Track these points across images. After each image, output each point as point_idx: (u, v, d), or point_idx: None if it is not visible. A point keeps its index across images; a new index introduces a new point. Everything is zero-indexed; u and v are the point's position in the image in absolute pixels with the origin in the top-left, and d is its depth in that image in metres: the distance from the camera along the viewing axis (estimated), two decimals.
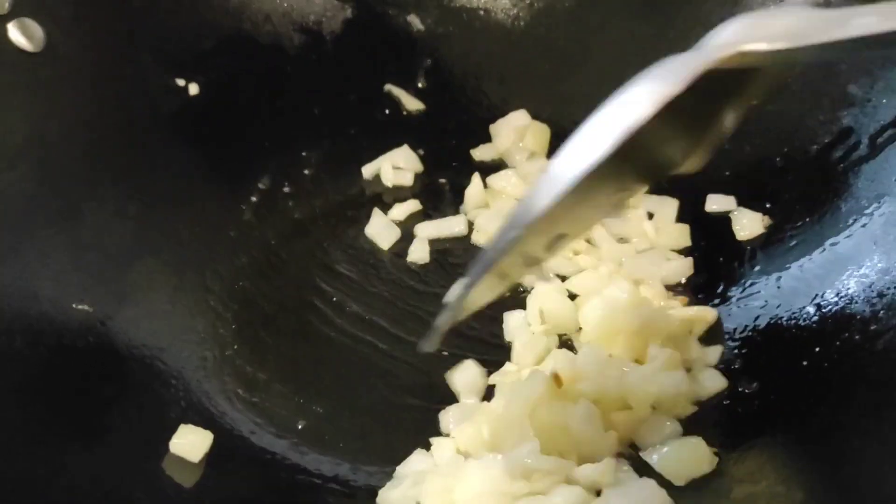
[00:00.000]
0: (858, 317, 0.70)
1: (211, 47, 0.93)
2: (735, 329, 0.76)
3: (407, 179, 0.90)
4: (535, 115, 0.95)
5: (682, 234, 0.85)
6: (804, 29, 0.46)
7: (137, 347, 0.74)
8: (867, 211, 0.77)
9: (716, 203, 0.84)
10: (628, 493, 0.61)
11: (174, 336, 0.76)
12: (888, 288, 0.71)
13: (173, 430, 0.68)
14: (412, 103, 0.96)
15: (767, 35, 0.47)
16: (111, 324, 0.75)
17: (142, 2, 0.89)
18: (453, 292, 0.54)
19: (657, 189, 0.87)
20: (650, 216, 0.87)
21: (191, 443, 0.66)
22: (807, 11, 0.47)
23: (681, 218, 0.86)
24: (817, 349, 0.70)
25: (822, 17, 0.46)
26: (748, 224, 0.83)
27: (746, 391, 0.71)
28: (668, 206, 0.87)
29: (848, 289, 0.74)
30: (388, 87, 0.97)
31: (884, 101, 0.81)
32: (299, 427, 0.72)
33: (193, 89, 0.91)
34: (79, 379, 0.70)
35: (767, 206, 0.83)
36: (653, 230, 0.85)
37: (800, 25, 0.46)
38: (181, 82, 0.90)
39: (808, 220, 0.80)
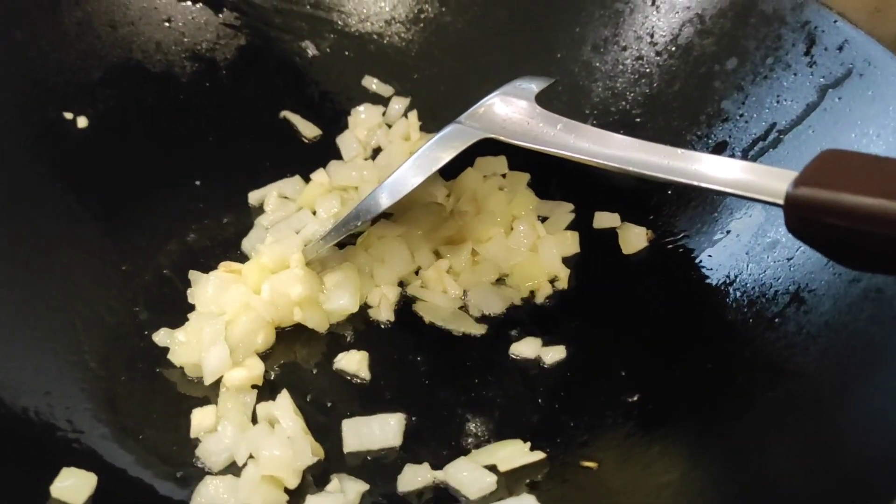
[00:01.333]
0: (731, 325, 0.73)
1: (98, 78, 0.92)
2: (622, 337, 0.78)
3: (290, 209, 0.89)
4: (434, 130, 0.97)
5: (572, 240, 0.87)
6: (535, 134, 0.75)
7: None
8: (739, 222, 0.80)
9: (603, 220, 0.87)
10: None
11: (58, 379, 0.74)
12: (757, 297, 0.74)
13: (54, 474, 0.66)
14: (308, 129, 0.96)
15: (508, 132, 0.76)
16: None
17: (22, 34, 0.87)
18: (316, 244, 0.81)
19: (549, 196, 0.90)
20: (542, 220, 0.89)
21: (73, 486, 0.65)
22: (537, 117, 0.77)
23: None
24: (694, 357, 0.73)
25: (550, 128, 0.75)
26: (633, 238, 0.85)
27: (629, 400, 0.73)
28: (562, 211, 0.89)
29: (724, 297, 0.77)
30: (285, 113, 0.97)
31: (755, 115, 0.85)
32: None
33: (82, 122, 0.89)
34: None
35: (651, 218, 0.86)
36: (543, 231, 0.87)
37: (531, 129, 0.76)
38: (69, 115, 0.89)
39: (687, 231, 0.83)
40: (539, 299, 0.83)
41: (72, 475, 0.65)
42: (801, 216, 0.56)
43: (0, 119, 0.85)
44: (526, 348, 0.78)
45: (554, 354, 0.78)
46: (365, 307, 0.82)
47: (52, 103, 0.88)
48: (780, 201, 0.57)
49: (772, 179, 0.59)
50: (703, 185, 0.63)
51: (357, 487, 0.68)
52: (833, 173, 0.55)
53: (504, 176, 0.93)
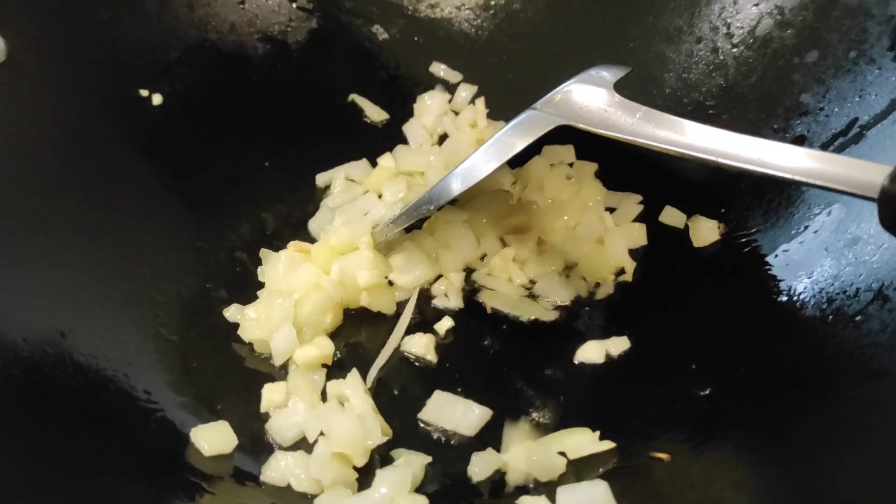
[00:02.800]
0: (809, 322, 0.71)
1: (175, 58, 0.93)
2: (691, 330, 0.77)
3: (356, 192, 0.90)
4: (502, 119, 0.96)
5: (639, 233, 0.86)
6: (613, 122, 0.74)
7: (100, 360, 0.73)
8: (818, 217, 0.78)
9: (670, 217, 0.85)
10: (578, 493, 0.62)
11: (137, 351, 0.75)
12: (837, 294, 0.72)
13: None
14: (376, 113, 0.97)
15: (586, 119, 0.75)
16: (72, 336, 0.74)
17: (107, 13, 0.89)
18: (385, 227, 0.82)
19: (617, 186, 0.88)
20: (610, 211, 0.88)
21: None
22: (616, 105, 0.75)
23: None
24: (769, 354, 0.71)
25: (629, 117, 0.73)
26: (704, 231, 0.84)
27: (700, 394, 0.72)
28: (630, 203, 0.88)
29: (800, 294, 0.75)
30: (353, 96, 0.97)
31: (836, 109, 0.83)
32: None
33: (157, 99, 0.91)
34: (50, 400, 0.69)
35: (722, 211, 0.85)
36: (612, 223, 0.86)
37: (609, 117, 0.74)
38: (144, 93, 0.90)
39: (761, 226, 0.82)
40: (605, 291, 0.82)
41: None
42: None
43: (83, 94, 0.86)
44: (592, 352, 0.77)
45: (619, 346, 0.77)
46: (430, 295, 0.82)
47: (131, 81, 0.90)
48: (875, 195, 0.55)
49: (865, 172, 0.57)
50: (791, 176, 0.62)
51: (420, 460, 0.69)
52: None
53: (571, 165, 0.92)
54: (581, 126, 0.73)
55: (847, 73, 0.83)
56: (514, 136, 0.75)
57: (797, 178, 0.61)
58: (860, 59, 0.82)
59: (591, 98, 0.75)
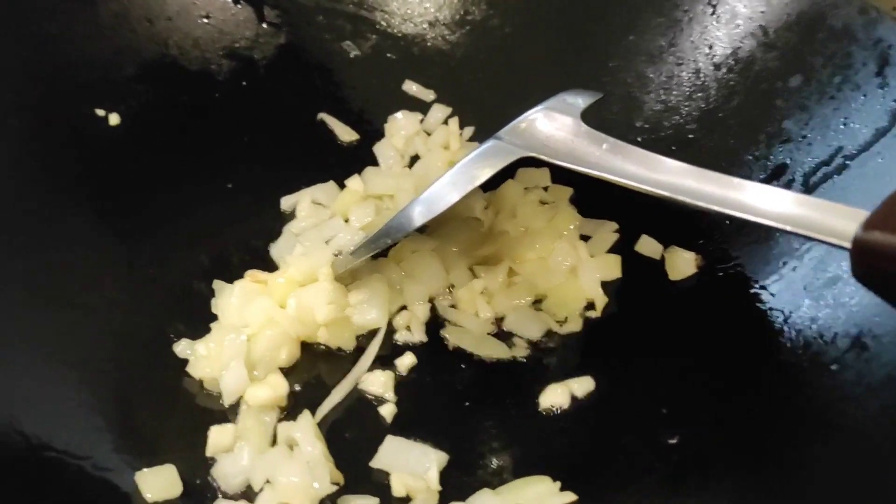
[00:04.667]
0: (784, 368, 0.68)
1: (133, 74, 0.89)
2: (662, 371, 0.74)
3: (322, 216, 0.86)
4: (477, 140, 0.93)
5: (614, 265, 0.82)
6: (579, 154, 0.71)
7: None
8: (798, 253, 0.75)
9: (647, 247, 0.82)
10: None
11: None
12: (814, 338, 0.69)
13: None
14: (346, 133, 0.93)
15: (551, 151, 0.72)
16: None
17: (57, 26, 0.86)
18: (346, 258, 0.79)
19: (593, 212, 0.85)
20: (584, 239, 0.84)
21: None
22: (582, 135, 0.72)
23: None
24: (741, 400, 0.68)
25: (595, 148, 0.70)
26: (681, 263, 0.80)
27: (669, 442, 0.68)
28: (605, 231, 0.84)
29: (776, 336, 0.72)
30: (322, 115, 0.94)
31: (819, 137, 0.79)
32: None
33: (114, 119, 0.87)
34: None
35: (700, 242, 0.81)
36: (586, 253, 0.82)
37: (576, 148, 0.71)
38: (101, 112, 0.87)
39: (739, 260, 0.78)
40: (572, 327, 0.78)
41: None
42: (870, 263, 0.50)
43: (31, 115, 0.83)
44: (556, 396, 0.73)
45: (583, 386, 0.73)
46: (391, 328, 0.79)
47: (84, 99, 0.86)
48: (847, 244, 0.52)
49: (838, 218, 0.54)
50: (761, 220, 0.58)
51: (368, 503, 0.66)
52: None
53: (546, 189, 0.88)
54: (545, 158, 0.70)
55: (831, 99, 0.79)
56: (477, 167, 0.71)
57: (768, 222, 0.58)
58: (845, 84, 0.78)
59: (556, 127, 0.72)
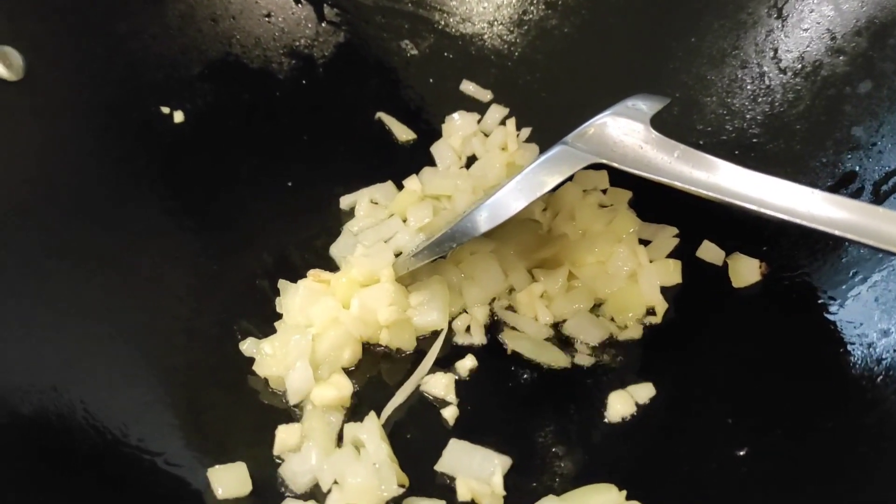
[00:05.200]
0: (856, 382, 0.67)
1: (197, 73, 0.90)
2: (727, 381, 0.73)
3: (380, 216, 0.86)
4: (534, 141, 0.92)
5: (674, 270, 0.81)
6: (649, 161, 0.70)
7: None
8: (869, 264, 0.74)
9: (708, 252, 0.81)
10: None
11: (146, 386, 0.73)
12: (887, 352, 0.68)
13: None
14: (403, 133, 0.93)
15: (620, 157, 0.70)
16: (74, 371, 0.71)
17: (126, 26, 0.87)
18: (408, 260, 0.78)
19: (652, 216, 0.84)
20: (644, 243, 0.83)
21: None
22: (653, 143, 0.70)
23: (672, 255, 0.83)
24: (811, 414, 0.67)
25: (666, 155, 0.69)
26: (744, 270, 0.79)
27: (737, 454, 0.68)
28: (665, 236, 0.83)
29: (847, 348, 0.71)
30: (380, 114, 0.94)
31: (889, 145, 0.78)
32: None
33: (178, 117, 0.88)
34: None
35: (765, 249, 0.80)
36: (645, 258, 0.82)
37: (645, 155, 0.70)
38: (166, 110, 0.88)
39: (807, 269, 0.77)
40: (633, 333, 0.78)
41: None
42: None
43: (100, 112, 0.84)
44: (619, 403, 0.73)
45: (643, 393, 0.73)
46: (451, 330, 0.79)
47: (151, 97, 0.87)
48: None
49: None
50: (841, 234, 0.57)
51: None
52: None
53: (605, 192, 0.88)
54: (615, 165, 0.69)
55: None
56: (545, 174, 0.71)
57: (837, 232, 0.57)
58: None
59: (625, 133, 0.71)
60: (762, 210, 0.62)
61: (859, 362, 0.68)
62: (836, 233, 0.59)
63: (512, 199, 0.71)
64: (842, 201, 0.59)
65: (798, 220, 0.60)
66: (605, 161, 0.70)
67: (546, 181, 0.70)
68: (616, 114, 0.73)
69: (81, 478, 0.65)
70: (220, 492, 0.66)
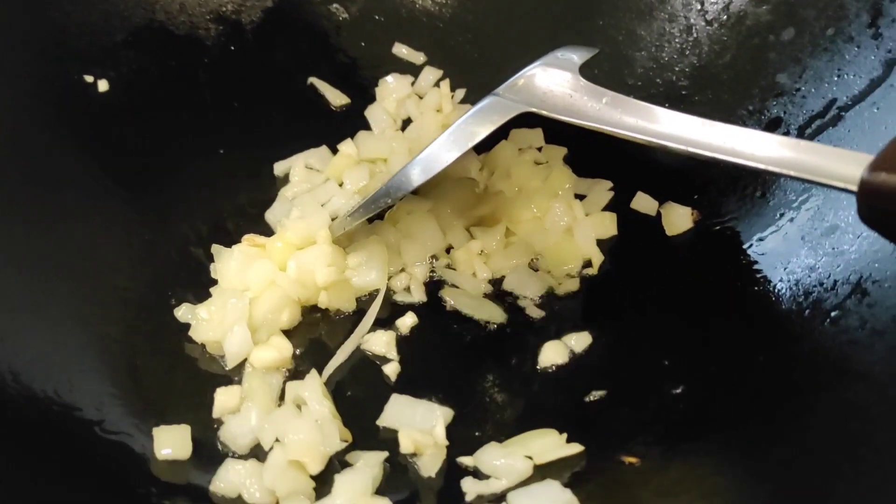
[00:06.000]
0: (785, 317, 0.69)
1: (121, 40, 0.88)
2: (663, 324, 0.74)
3: (316, 181, 0.85)
4: (469, 102, 0.92)
5: (609, 223, 0.82)
6: (579, 108, 0.70)
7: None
8: (794, 205, 0.76)
9: (642, 203, 0.82)
10: (533, 494, 0.60)
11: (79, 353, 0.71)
12: (814, 286, 0.69)
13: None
14: (336, 97, 0.92)
15: (550, 105, 0.71)
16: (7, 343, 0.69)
17: None
18: (344, 220, 0.78)
19: (587, 171, 0.85)
20: (580, 198, 0.84)
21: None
22: (581, 90, 0.71)
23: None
24: (744, 350, 0.69)
25: (595, 102, 0.69)
26: (677, 218, 0.81)
27: (673, 392, 0.69)
28: (600, 189, 0.84)
29: (776, 286, 0.72)
30: (312, 79, 0.93)
31: (812, 90, 0.80)
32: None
33: (103, 86, 0.86)
34: None
35: (696, 198, 0.81)
36: (581, 212, 0.82)
37: (574, 103, 0.70)
38: (90, 78, 0.85)
39: (736, 213, 0.79)
40: (570, 285, 0.79)
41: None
42: (877, 204, 0.51)
43: (20, 82, 0.81)
44: (553, 353, 0.74)
45: (580, 342, 0.74)
46: (390, 289, 0.79)
47: (73, 66, 0.85)
48: (854, 187, 0.52)
49: (842, 162, 0.54)
50: (765, 167, 0.59)
51: (377, 457, 0.67)
52: None
53: (540, 149, 0.88)
54: (544, 113, 0.70)
55: (824, 51, 0.79)
56: (476, 124, 0.71)
57: (771, 168, 0.58)
58: (838, 36, 0.79)
59: (555, 82, 0.72)
60: (691, 149, 0.63)
61: (788, 298, 0.70)
62: (766, 167, 0.59)
63: (444, 151, 0.71)
64: (767, 136, 0.60)
65: (727, 157, 0.61)
66: (534, 110, 0.70)
67: (477, 131, 0.70)
68: (546, 64, 0.74)
69: (17, 449, 0.63)
70: (166, 451, 0.65)
